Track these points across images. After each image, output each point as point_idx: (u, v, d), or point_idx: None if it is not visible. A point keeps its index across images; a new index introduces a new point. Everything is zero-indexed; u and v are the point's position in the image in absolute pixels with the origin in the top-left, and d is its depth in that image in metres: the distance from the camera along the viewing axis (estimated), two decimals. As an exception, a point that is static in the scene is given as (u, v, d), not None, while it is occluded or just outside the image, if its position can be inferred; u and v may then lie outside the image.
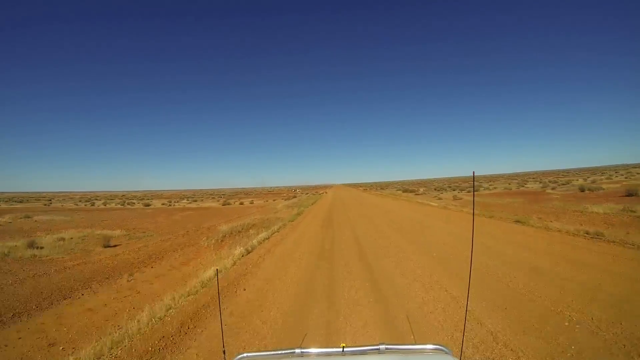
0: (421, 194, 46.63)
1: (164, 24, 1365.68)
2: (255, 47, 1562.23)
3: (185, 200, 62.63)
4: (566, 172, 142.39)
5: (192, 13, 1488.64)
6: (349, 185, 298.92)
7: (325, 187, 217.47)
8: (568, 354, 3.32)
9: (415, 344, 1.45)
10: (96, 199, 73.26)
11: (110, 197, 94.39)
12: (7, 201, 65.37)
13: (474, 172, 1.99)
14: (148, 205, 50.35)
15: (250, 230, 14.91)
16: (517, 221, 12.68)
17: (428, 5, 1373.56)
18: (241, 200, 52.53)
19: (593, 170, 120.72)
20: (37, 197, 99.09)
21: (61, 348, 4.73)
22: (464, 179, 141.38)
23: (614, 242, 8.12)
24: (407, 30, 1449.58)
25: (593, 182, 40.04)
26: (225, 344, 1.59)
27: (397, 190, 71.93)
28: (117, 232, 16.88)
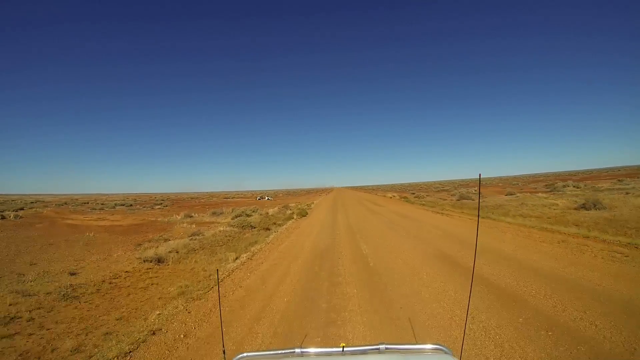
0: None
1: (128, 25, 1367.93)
2: (253, 46, 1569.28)
3: None
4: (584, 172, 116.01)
5: (169, 13, 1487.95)
6: (354, 188, 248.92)
7: (324, 190, 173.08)
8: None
9: (415, 343, 1.42)
10: None
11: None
12: None
13: (480, 175, 1.94)
14: None
15: None
16: None
17: (427, 4, 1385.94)
18: None
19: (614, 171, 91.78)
20: None
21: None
22: (470, 182, 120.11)
23: None
24: (407, 30, 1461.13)
25: None
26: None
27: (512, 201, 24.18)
28: None
